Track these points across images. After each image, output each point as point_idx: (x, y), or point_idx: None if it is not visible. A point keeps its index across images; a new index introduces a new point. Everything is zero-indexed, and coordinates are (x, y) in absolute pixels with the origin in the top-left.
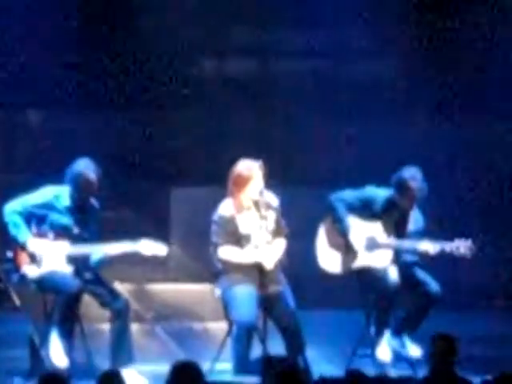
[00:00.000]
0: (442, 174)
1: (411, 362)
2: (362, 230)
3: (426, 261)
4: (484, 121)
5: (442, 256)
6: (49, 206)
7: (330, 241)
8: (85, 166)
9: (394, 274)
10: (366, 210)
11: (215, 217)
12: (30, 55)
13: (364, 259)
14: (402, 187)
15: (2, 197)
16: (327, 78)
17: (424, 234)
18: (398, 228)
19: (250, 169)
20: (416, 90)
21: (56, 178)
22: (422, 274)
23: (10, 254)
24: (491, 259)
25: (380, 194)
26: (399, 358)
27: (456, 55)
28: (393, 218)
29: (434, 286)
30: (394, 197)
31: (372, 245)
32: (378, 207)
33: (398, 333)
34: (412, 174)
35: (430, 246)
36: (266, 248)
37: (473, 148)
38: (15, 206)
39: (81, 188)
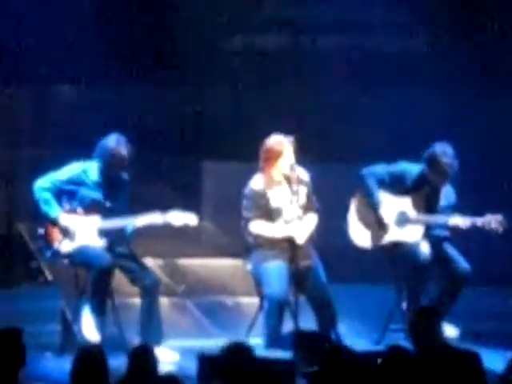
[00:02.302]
0: (473, 148)
1: None
2: (392, 205)
3: (456, 236)
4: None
5: (473, 231)
6: (78, 181)
7: (361, 216)
8: (116, 141)
9: (425, 249)
10: (397, 184)
11: (246, 191)
12: (62, 30)
13: (395, 234)
14: (433, 163)
15: (33, 172)
16: (358, 51)
17: (455, 209)
18: (429, 203)
19: (280, 143)
20: (447, 64)
21: (87, 152)
22: (452, 251)
23: (41, 231)
24: None
25: (411, 169)
26: None
27: (487, 27)
28: (424, 193)
29: (463, 264)
30: (426, 172)
31: (403, 220)
32: (410, 182)
33: None
34: (443, 150)
35: (460, 221)
36: (298, 223)
37: (503, 122)
38: (44, 182)
39: (111, 163)
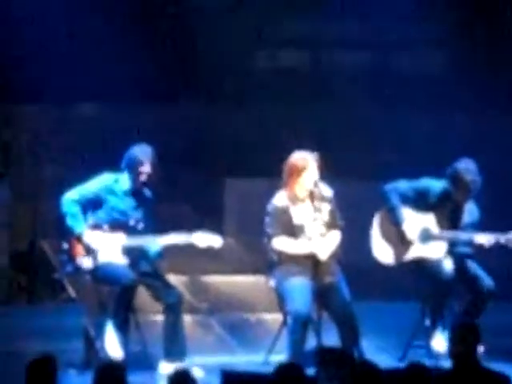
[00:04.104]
0: (495, 165)
1: None
2: (416, 222)
3: (480, 253)
4: None
5: (497, 247)
6: (109, 191)
7: (384, 232)
8: (142, 151)
9: (448, 266)
10: (420, 201)
11: (269, 207)
12: (83, 50)
13: (418, 251)
14: (456, 179)
15: (56, 190)
16: (381, 69)
17: (479, 226)
18: (452, 220)
19: (304, 159)
20: (467, 82)
21: (108, 170)
22: (475, 268)
23: (65, 246)
24: None
25: (435, 185)
26: None
27: (507, 46)
28: (447, 209)
29: (487, 281)
30: (449, 189)
31: (426, 236)
32: (433, 199)
33: None
34: (466, 166)
35: (484, 238)
36: (321, 239)
37: None
38: (73, 194)
39: (138, 172)
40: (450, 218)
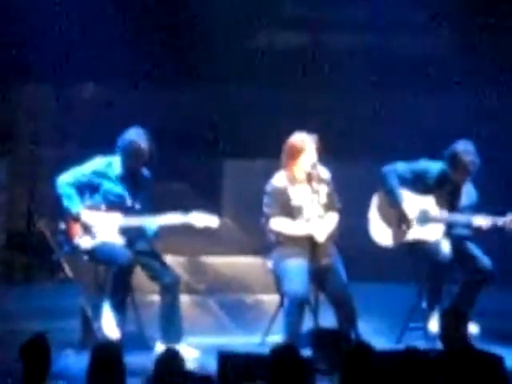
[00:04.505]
0: (493, 147)
1: None
2: (414, 203)
3: (478, 235)
4: None
5: (495, 230)
6: (101, 175)
7: (382, 214)
8: (136, 134)
9: (446, 248)
10: (418, 182)
11: (268, 188)
12: (86, 30)
13: (416, 232)
14: (454, 160)
15: (55, 171)
16: (379, 51)
17: (477, 208)
18: (450, 202)
19: (303, 140)
20: (468, 65)
21: (108, 151)
22: (473, 250)
23: (62, 226)
24: None
25: (433, 167)
26: None
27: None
28: (445, 191)
29: (485, 262)
30: (447, 170)
31: (424, 218)
32: (431, 180)
33: None
34: (465, 148)
35: (482, 221)
36: (318, 221)
37: None
38: (67, 177)
39: (132, 156)
40: (448, 199)
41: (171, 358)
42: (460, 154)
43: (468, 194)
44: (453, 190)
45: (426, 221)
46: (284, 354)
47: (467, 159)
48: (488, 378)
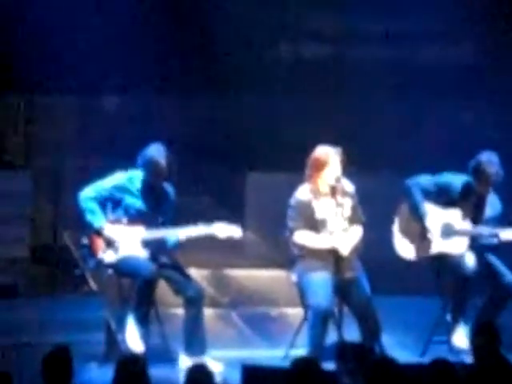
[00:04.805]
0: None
1: None
2: (438, 217)
3: (503, 248)
4: None
5: None
6: (123, 189)
7: (406, 227)
8: (156, 151)
9: (471, 261)
10: (442, 195)
11: (292, 201)
12: (105, 41)
13: (440, 246)
14: (478, 171)
15: (77, 182)
16: (402, 63)
17: (502, 219)
18: (475, 214)
19: (327, 154)
20: (492, 75)
21: (130, 163)
22: (498, 264)
23: (85, 241)
24: None
25: (457, 179)
26: None
27: None
28: (470, 203)
29: (509, 277)
30: (471, 182)
31: (448, 231)
32: (455, 193)
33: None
34: (488, 158)
35: (506, 234)
36: (342, 234)
37: None
38: (89, 192)
39: (152, 173)
40: (473, 211)
41: (201, 372)
42: (484, 165)
43: (493, 205)
44: (477, 201)
45: (451, 234)
46: (305, 366)
47: (491, 170)
48: None
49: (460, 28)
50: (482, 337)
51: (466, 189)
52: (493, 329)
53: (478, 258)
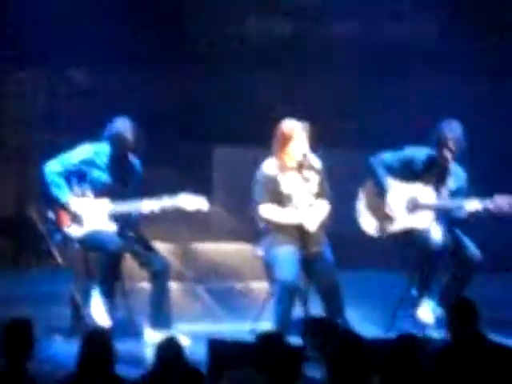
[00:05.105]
0: (481, 133)
1: None
2: (402, 192)
3: (467, 221)
4: None
5: (482, 215)
6: (89, 163)
7: (370, 203)
8: (122, 125)
9: (437, 235)
10: (406, 170)
11: (258, 175)
12: (73, 15)
13: (405, 221)
14: (439, 139)
15: (44, 157)
16: (366, 39)
17: (466, 191)
18: (439, 185)
19: (292, 128)
20: (455, 51)
21: (96, 137)
22: (463, 238)
23: (51, 215)
24: None
25: (419, 152)
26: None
27: (497, 15)
28: (433, 175)
29: (473, 250)
30: (434, 152)
31: (413, 206)
32: (418, 166)
33: (442, 302)
34: (449, 125)
35: (472, 205)
36: (308, 210)
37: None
38: (55, 165)
39: (118, 146)
40: (437, 183)
41: (171, 346)
42: (444, 131)
43: (457, 176)
44: (441, 173)
45: (415, 208)
46: (271, 341)
47: (451, 135)
48: (500, 370)
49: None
50: (459, 312)
51: (429, 160)
52: (471, 304)
53: (444, 231)
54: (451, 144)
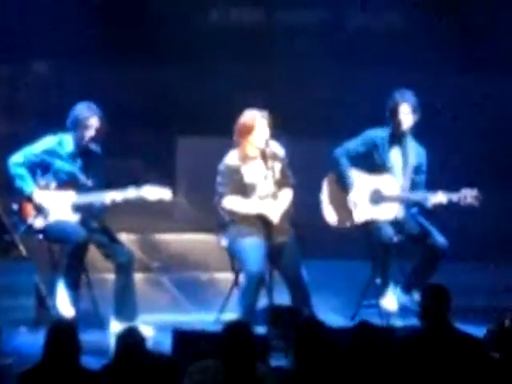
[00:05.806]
0: (448, 121)
1: None
2: (366, 183)
3: (433, 211)
4: (495, 73)
5: (449, 206)
6: (53, 153)
7: (333, 196)
8: (86, 109)
9: (388, 230)
10: (370, 152)
11: (221, 166)
12: (38, 6)
13: (368, 213)
14: (392, 106)
15: (7, 148)
16: (336, 28)
17: (427, 170)
18: (400, 164)
19: (253, 118)
20: (424, 39)
21: (60, 129)
22: (429, 226)
23: (15, 206)
24: (498, 208)
25: (379, 131)
26: (410, 312)
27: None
28: (395, 154)
29: (439, 238)
30: (391, 126)
31: (377, 198)
32: (382, 144)
33: (407, 289)
34: (402, 93)
35: (436, 197)
36: (272, 201)
37: (479, 98)
38: (19, 157)
39: (80, 129)
40: (399, 162)
41: (132, 337)
42: (397, 98)
43: (417, 153)
44: (402, 152)
45: (379, 200)
46: (237, 330)
47: (402, 100)
48: (468, 358)
49: None
50: (433, 300)
51: (390, 137)
52: (445, 292)
53: (408, 221)
54: (403, 108)
